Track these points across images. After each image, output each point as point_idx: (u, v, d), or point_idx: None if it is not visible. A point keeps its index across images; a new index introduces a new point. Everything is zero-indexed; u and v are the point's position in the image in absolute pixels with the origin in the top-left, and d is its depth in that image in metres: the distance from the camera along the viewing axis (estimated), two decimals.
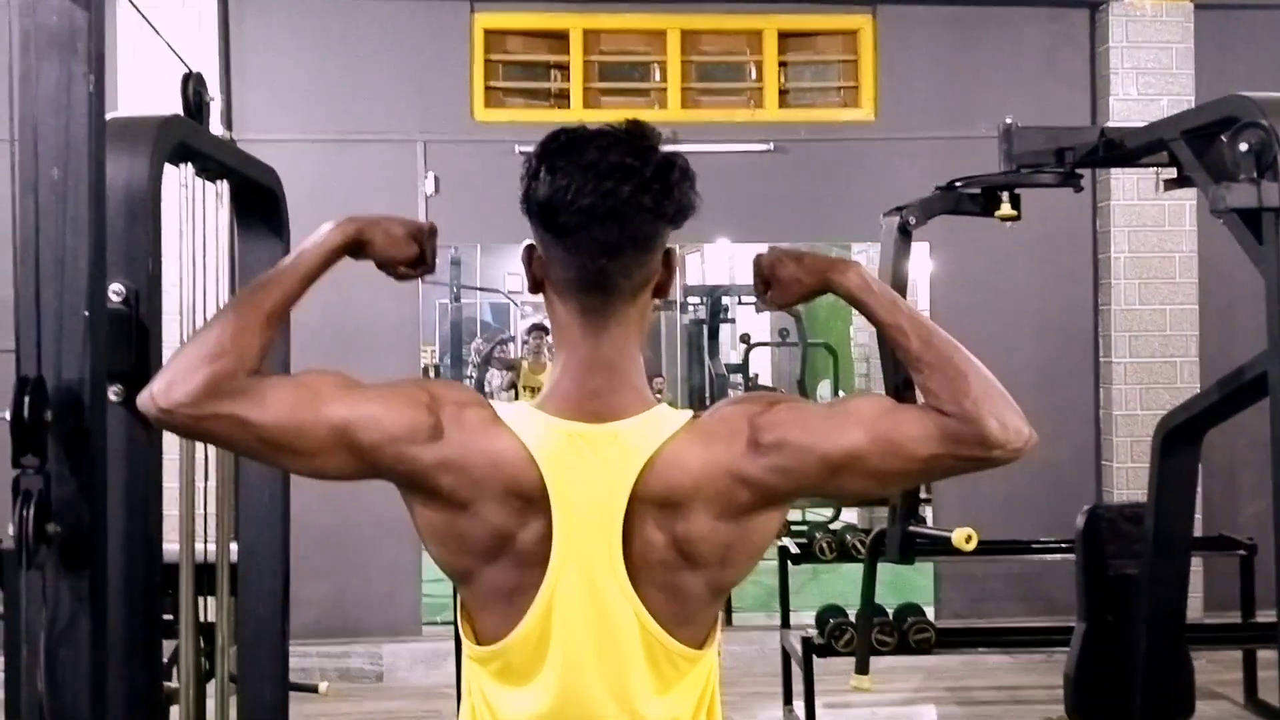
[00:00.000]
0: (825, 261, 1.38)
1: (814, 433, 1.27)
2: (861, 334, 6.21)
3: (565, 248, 1.27)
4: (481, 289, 5.99)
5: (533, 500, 1.26)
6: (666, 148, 1.28)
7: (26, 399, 1.43)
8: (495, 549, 1.27)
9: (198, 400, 1.19)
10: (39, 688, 1.49)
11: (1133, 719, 2.74)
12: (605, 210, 1.25)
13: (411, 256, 1.38)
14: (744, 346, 6.57)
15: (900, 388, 3.01)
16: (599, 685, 1.29)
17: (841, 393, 6.45)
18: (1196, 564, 5.07)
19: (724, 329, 6.52)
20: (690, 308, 6.27)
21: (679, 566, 1.28)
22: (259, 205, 2.34)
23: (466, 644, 1.33)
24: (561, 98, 5.57)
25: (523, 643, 1.28)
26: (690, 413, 1.31)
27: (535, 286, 1.34)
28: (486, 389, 5.68)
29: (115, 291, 1.70)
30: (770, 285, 1.41)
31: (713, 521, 1.27)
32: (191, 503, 2.18)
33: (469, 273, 5.91)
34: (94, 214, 1.53)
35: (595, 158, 1.25)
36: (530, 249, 1.32)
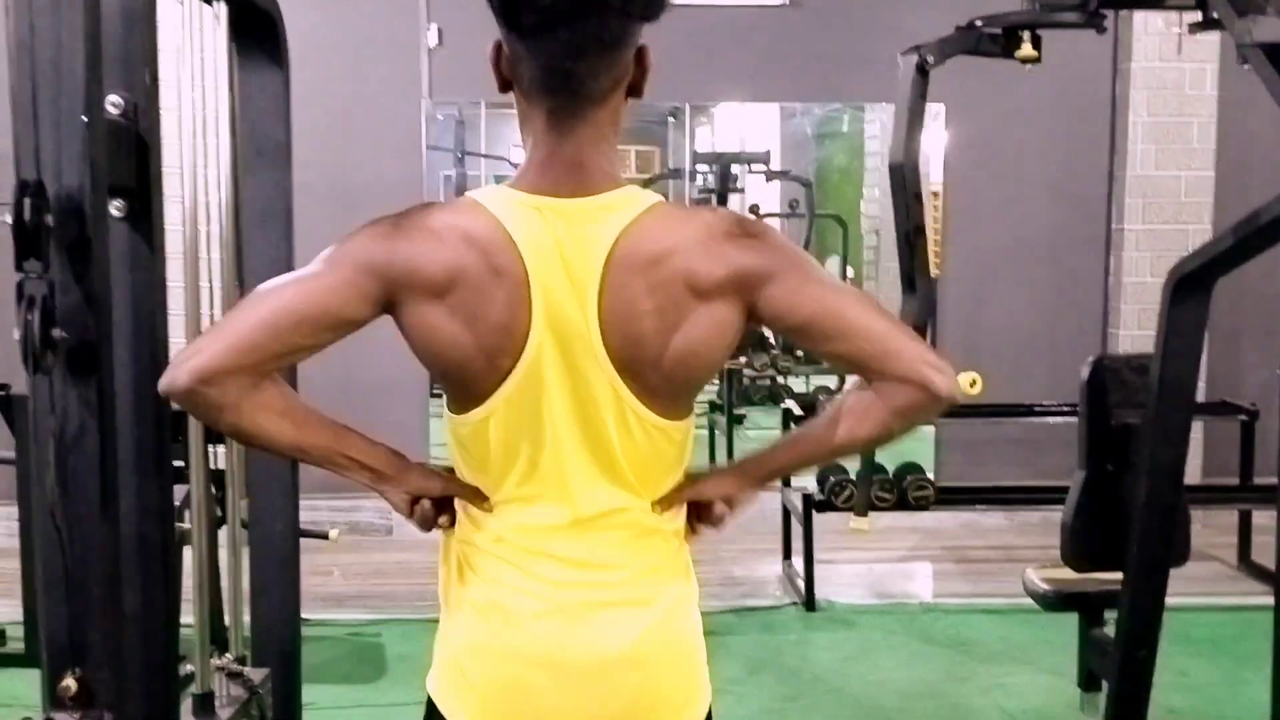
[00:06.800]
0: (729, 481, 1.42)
1: (793, 249, 1.32)
2: (873, 205, 6.12)
3: (529, 48, 1.24)
4: (486, 155, 5.83)
5: (509, 269, 1.26)
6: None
7: (27, 202, 1.42)
8: (479, 324, 1.27)
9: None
10: (50, 494, 1.52)
11: (1128, 565, 2.76)
12: (568, 8, 1.20)
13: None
14: (752, 217, 6.50)
15: (910, 234, 3.00)
16: (578, 445, 1.31)
17: (850, 268, 6.42)
18: (1197, 429, 5.12)
19: (733, 199, 6.32)
20: (699, 177, 6.13)
21: (653, 338, 1.28)
22: (257, 30, 2.30)
23: (448, 415, 1.34)
24: None
25: (504, 403, 1.29)
26: (660, 197, 1.31)
27: (503, 85, 1.30)
28: None
29: (113, 103, 1.66)
30: (702, 518, 1.41)
31: (686, 296, 1.27)
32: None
33: (473, 136, 5.79)
34: (89, 16, 1.51)
35: None
36: (498, 46, 1.29)
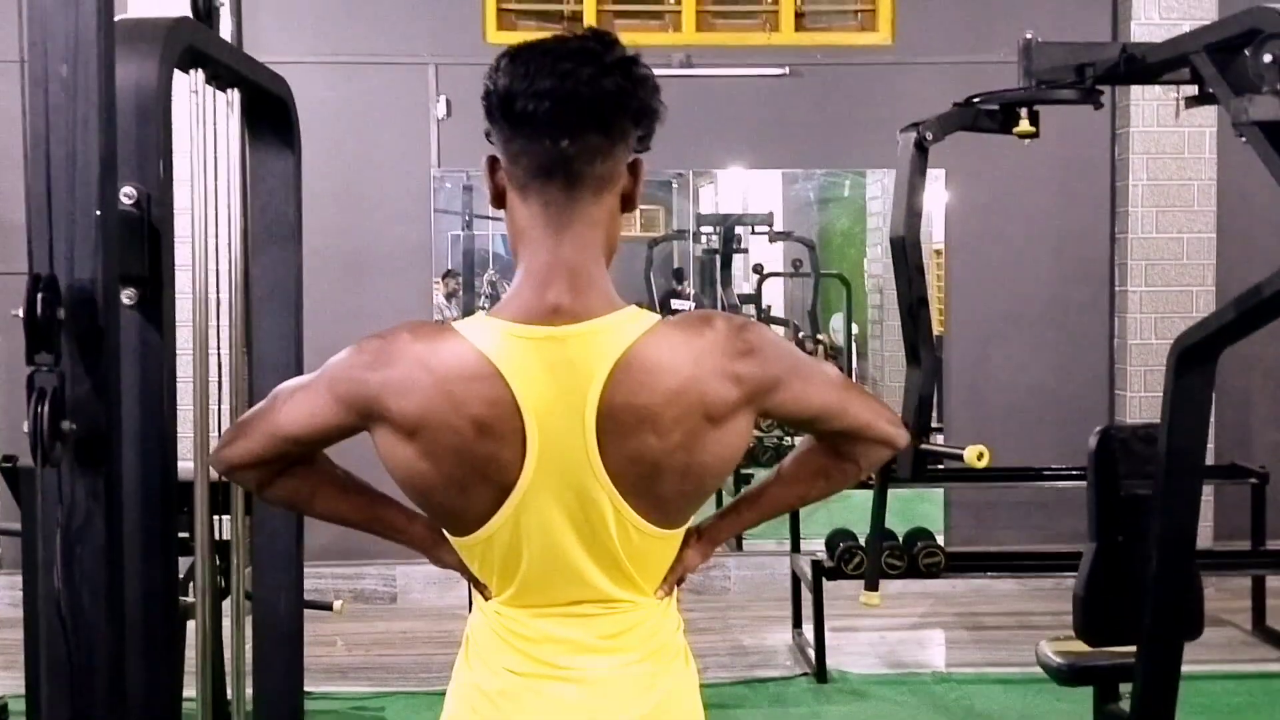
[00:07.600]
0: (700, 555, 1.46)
1: (789, 352, 1.36)
2: (876, 265, 6.13)
3: (526, 135, 1.23)
4: (494, 218, 5.87)
5: (493, 404, 1.24)
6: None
7: (40, 296, 1.43)
8: (452, 465, 1.26)
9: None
10: (56, 584, 1.52)
11: (1141, 639, 2.74)
12: (565, 91, 1.21)
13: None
14: (756, 277, 6.54)
15: (914, 307, 3.01)
16: (581, 552, 1.31)
17: (855, 326, 6.43)
18: (1207, 493, 5.09)
19: (737, 259, 6.40)
20: (703, 237, 6.14)
21: (666, 463, 1.28)
22: (270, 115, 2.34)
23: (450, 536, 1.36)
24: (575, 20, 5.49)
25: (500, 528, 1.30)
26: (659, 316, 1.29)
27: (497, 198, 1.30)
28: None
29: (126, 194, 1.69)
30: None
31: (700, 422, 1.27)
32: (206, 420, 2.20)
33: (480, 201, 5.73)
34: (103, 113, 1.53)
35: (555, 46, 1.25)
36: (493, 160, 1.28)
